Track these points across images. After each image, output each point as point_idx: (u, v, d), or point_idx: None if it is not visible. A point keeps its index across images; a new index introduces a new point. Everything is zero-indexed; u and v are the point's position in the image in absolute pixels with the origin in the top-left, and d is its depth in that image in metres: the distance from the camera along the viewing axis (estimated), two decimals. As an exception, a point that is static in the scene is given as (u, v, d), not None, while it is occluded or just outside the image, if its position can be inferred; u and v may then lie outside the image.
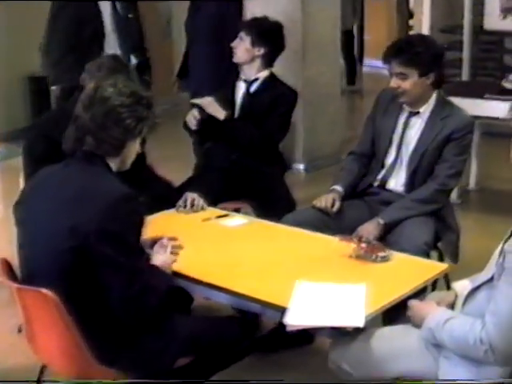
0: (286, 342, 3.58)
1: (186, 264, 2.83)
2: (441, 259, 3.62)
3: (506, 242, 2.30)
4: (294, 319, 2.53)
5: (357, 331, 2.54)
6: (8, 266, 2.62)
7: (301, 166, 6.70)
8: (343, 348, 2.59)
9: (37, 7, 5.46)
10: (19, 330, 3.47)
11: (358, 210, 3.71)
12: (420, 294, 2.82)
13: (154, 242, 2.80)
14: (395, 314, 2.75)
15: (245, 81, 4.29)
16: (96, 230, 2.41)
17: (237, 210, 3.99)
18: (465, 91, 5.34)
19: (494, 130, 5.81)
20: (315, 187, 5.63)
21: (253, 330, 3.53)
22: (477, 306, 2.38)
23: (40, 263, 2.53)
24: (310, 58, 6.52)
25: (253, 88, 4.27)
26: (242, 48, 4.21)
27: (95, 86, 2.56)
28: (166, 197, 3.64)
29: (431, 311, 2.50)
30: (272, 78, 4.32)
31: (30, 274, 2.57)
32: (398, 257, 3.01)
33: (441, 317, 2.44)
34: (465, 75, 6.46)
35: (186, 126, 4.26)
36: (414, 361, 2.46)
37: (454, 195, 4.67)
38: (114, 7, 4.53)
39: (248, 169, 4.19)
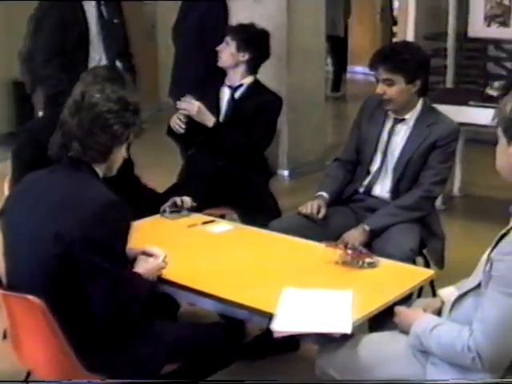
0: (271, 348, 3.58)
1: (172, 270, 2.83)
2: (426, 266, 3.63)
3: (492, 249, 2.30)
4: (282, 326, 2.52)
5: (344, 337, 2.53)
6: (-7, 273, 2.60)
7: (285, 173, 6.71)
8: (330, 354, 2.58)
9: (21, 11, 5.42)
10: (4, 336, 3.45)
11: (343, 216, 3.71)
12: (406, 300, 2.83)
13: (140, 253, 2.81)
14: (381, 320, 2.75)
15: (229, 87, 4.29)
16: (82, 236, 2.39)
17: (222, 217, 3.98)
18: (449, 98, 5.37)
19: (477, 137, 5.85)
20: (300, 194, 5.65)
21: (238, 336, 3.53)
22: (464, 312, 2.39)
23: (25, 269, 2.52)
24: (295, 65, 6.54)
25: (237, 94, 4.28)
26: (227, 52, 4.23)
27: (82, 92, 2.55)
28: (152, 203, 3.63)
29: (418, 317, 2.50)
30: (257, 84, 4.33)
31: (15, 280, 2.55)
32: (384, 263, 3.01)
33: (427, 323, 2.44)
34: (449, 82, 6.49)
35: (170, 132, 4.25)
36: (401, 367, 2.45)
37: (438, 201, 4.68)
38: (99, 12, 4.51)
39: (233, 176, 4.19)
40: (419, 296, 3.22)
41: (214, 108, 4.23)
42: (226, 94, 4.30)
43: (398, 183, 3.66)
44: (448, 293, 2.64)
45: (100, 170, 2.60)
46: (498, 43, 6.54)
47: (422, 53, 3.74)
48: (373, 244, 3.46)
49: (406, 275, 2.97)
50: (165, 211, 3.59)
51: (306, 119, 6.72)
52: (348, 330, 2.48)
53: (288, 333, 2.56)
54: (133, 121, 2.60)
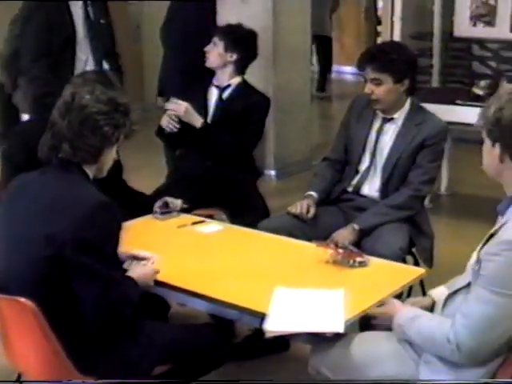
0: (262, 348, 3.59)
1: (163, 271, 2.81)
2: (416, 264, 3.65)
3: (481, 248, 2.32)
4: (274, 325, 2.52)
5: (336, 336, 2.54)
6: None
7: (272, 173, 6.72)
8: (323, 353, 2.59)
9: (5, 12, 5.39)
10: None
11: (332, 216, 3.72)
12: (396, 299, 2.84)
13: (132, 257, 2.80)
14: (372, 319, 2.76)
15: (217, 87, 4.29)
16: (73, 238, 2.38)
17: (210, 217, 3.98)
18: (436, 97, 5.39)
19: (464, 136, 5.87)
20: (287, 194, 5.67)
21: (229, 337, 3.53)
22: (454, 310, 2.40)
23: (16, 271, 2.50)
24: (281, 65, 6.55)
25: (225, 94, 4.28)
26: (215, 53, 4.22)
27: (72, 93, 2.53)
28: (141, 205, 3.62)
29: (400, 308, 2.54)
30: (245, 84, 4.33)
31: (5, 282, 2.53)
32: (374, 262, 3.03)
33: (409, 314, 2.49)
34: (435, 82, 6.53)
35: (159, 132, 4.25)
36: (394, 366, 2.46)
37: (425, 200, 4.70)
38: (85, 12, 4.49)
39: (222, 176, 4.19)
40: (409, 295, 3.23)
41: (201, 108, 4.23)
42: (213, 95, 4.30)
43: (387, 182, 3.67)
44: (439, 293, 2.67)
45: (90, 171, 2.58)
46: (482, 42, 6.59)
47: (409, 52, 3.76)
48: (362, 243, 3.47)
49: (397, 274, 2.98)
50: (156, 212, 3.58)
51: (292, 119, 6.73)
52: (340, 329, 2.49)
53: (281, 332, 2.57)
54: (123, 122, 2.58)
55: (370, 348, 2.56)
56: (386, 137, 3.69)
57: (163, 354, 2.63)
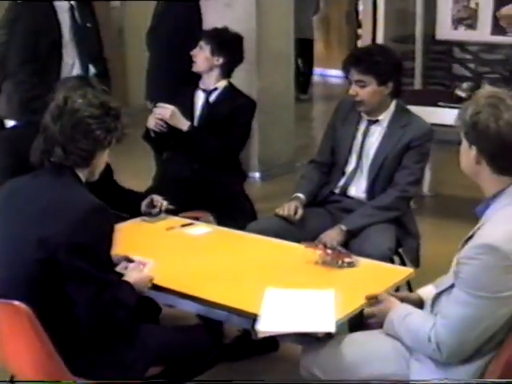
0: (251, 349, 3.61)
1: (153, 273, 2.83)
2: (402, 264, 3.68)
3: (459, 251, 2.36)
4: (267, 326, 2.55)
5: (327, 336, 2.57)
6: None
7: (256, 175, 6.75)
8: (314, 354, 2.61)
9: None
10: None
11: (319, 217, 3.75)
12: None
13: (124, 259, 2.82)
14: (361, 319, 2.79)
15: (204, 90, 4.31)
16: (66, 242, 2.40)
17: (196, 219, 3.99)
18: (418, 100, 5.42)
19: (446, 137, 5.91)
20: (272, 196, 5.69)
21: (219, 338, 3.55)
22: (440, 309, 2.44)
23: (9, 274, 2.51)
24: (265, 68, 6.57)
25: (212, 98, 4.30)
26: (202, 57, 4.25)
27: (65, 97, 2.55)
28: (133, 205, 3.64)
29: (394, 306, 2.58)
30: (231, 87, 4.36)
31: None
32: (363, 262, 3.06)
33: (402, 311, 2.52)
34: (417, 84, 6.58)
35: (146, 136, 4.26)
36: (386, 364, 2.50)
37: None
38: (72, 16, 4.49)
39: (208, 179, 4.21)
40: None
41: (188, 112, 4.25)
42: (200, 98, 4.32)
43: (373, 184, 3.70)
44: (426, 291, 2.69)
45: (83, 174, 2.60)
46: (463, 45, 6.65)
47: (394, 56, 3.79)
48: (350, 244, 3.50)
49: (386, 274, 3.02)
50: (145, 214, 3.60)
51: (275, 122, 6.76)
52: (332, 328, 2.52)
53: (273, 333, 2.59)
54: (114, 126, 2.60)
55: (361, 348, 2.58)
56: (372, 138, 3.73)
57: (157, 356, 2.65)
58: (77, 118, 2.53)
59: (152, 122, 4.15)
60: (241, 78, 4.65)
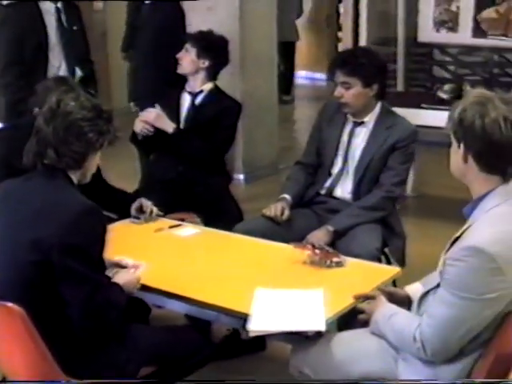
0: (239, 349, 3.64)
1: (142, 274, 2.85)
2: (388, 264, 3.72)
3: (446, 252, 2.40)
4: (257, 325, 2.57)
5: (317, 335, 2.60)
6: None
7: (241, 177, 6.77)
8: (304, 353, 2.64)
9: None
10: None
11: (306, 218, 3.78)
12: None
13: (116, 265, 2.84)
14: (350, 318, 2.83)
15: (190, 93, 4.34)
16: (59, 243, 2.42)
17: (182, 221, 4.01)
18: (401, 101, 5.46)
19: (429, 139, 5.98)
20: (257, 197, 5.71)
21: (209, 338, 3.57)
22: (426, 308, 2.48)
23: (3, 276, 2.52)
24: (248, 71, 6.60)
25: (198, 100, 4.33)
26: (188, 59, 4.28)
27: (58, 100, 2.57)
28: (125, 206, 3.66)
29: (380, 305, 2.61)
30: (216, 90, 4.39)
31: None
32: (351, 262, 3.09)
33: (387, 311, 2.55)
34: (400, 86, 6.64)
35: (132, 138, 4.28)
36: (374, 363, 2.52)
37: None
38: (58, 19, 4.50)
39: (194, 180, 4.24)
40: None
41: (174, 114, 4.28)
42: (186, 100, 4.35)
43: (359, 185, 3.74)
44: (414, 289, 2.72)
45: (75, 177, 2.62)
46: (442, 48, 6.72)
47: (378, 58, 3.85)
48: (337, 244, 3.53)
49: (373, 273, 3.05)
50: (134, 216, 3.62)
51: (259, 124, 6.78)
52: (322, 327, 2.55)
53: (265, 332, 2.62)
54: (106, 128, 2.63)
55: (351, 346, 2.61)
56: (358, 140, 3.77)
57: (148, 356, 2.67)
58: (69, 120, 2.55)
59: (139, 126, 4.17)
60: (224, 80, 4.68)
